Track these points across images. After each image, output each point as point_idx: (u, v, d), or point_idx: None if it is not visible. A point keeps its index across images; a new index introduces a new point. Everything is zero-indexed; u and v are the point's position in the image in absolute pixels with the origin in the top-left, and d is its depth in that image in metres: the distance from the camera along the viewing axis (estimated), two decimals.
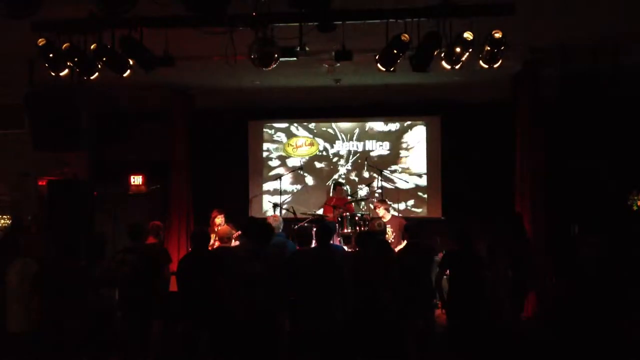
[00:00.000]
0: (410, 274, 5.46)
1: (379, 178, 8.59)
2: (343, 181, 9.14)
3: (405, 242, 6.28)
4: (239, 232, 6.89)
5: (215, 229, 6.98)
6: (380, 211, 7.55)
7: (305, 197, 9.53)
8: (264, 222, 5.31)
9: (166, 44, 5.49)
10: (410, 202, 9.36)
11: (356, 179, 9.45)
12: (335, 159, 9.59)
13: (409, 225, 6.03)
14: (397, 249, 6.99)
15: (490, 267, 5.37)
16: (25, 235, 5.06)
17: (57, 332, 4.61)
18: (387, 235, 7.33)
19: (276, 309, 4.98)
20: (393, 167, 9.39)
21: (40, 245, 4.81)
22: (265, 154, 9.73)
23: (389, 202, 7.84)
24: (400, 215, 8.26)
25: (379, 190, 8.64)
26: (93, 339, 4.85)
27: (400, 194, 9.28)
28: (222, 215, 7.32)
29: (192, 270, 5.16)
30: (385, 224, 7.45)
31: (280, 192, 8.80)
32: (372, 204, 7.90)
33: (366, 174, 9.33)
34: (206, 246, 5.46)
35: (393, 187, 9.32)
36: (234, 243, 6.63)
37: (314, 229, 5.75)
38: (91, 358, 4.84)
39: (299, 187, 9.60)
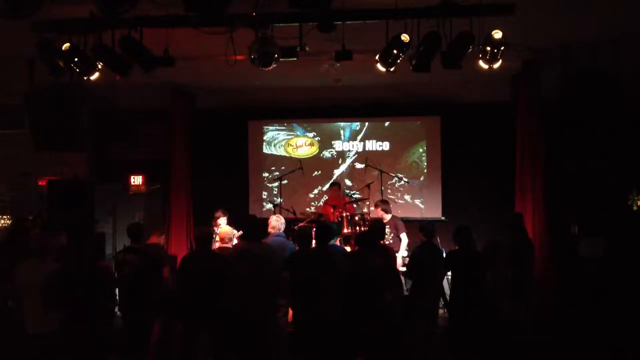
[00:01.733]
0: (422, 273, 5.49)
1: (379, 178, 8.59)
2: (339, 181, 9.09)
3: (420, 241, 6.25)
4: (240, 232, 6.90)
5: (217, 229, 6.98)
6: (380, 212, 7.56)
7: (305, 197, 9.53)
8: (253, 220, 5.30)
9: (166, 44, 5.49)
10: (410, 202, 9.35)
11: (356, 179, 9.44)
12: (335, 159, 9.59)
13: (423, 226, 5.98)
14: (401, 248, 7.04)
15: (490, 267, 5.37)
16: (29, 236, 5.03)
17: (78, 333, 4.60)
18: (385, 236, 7.36)
19: (269, 309, 4.98)
20: (393, 167, 9.37)
21: (53, 246, 4.76)
22: (265, 154, 9.73)
23: (389, 202, 7.84)
24: (399, 215, 8.25)
25: (380, 190, 8.64)
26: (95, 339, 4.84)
27: (400, 194, 9.29)
28: (226, 216, 7.30)
29: (195, 270, 5.17)
30: (383, 224, 7.50)
31: (280, 192, 8.80)
32: (374, 204, 7.89)
33: (366, 174, 9.32)
34: (210, 247, 5.46)
35: (393, 187, 9.32)
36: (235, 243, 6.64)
37: (314, 230, 5.75)
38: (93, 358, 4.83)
39: (298, 187, 9.59)
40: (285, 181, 9.02)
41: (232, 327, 5.29)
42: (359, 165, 9.38)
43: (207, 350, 5.24)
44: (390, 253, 6.08)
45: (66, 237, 5.90)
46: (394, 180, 9.26)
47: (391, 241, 7.34)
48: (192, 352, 5.20)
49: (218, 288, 5.03)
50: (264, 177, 9.72)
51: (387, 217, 7.52)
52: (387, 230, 7.39)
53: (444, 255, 5.97)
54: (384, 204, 7.62)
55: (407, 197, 9.37)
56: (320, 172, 9.60)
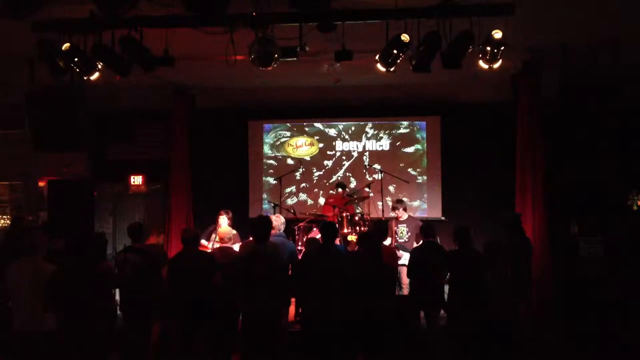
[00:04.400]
0: (422, 273, 5.50)
1: (379, 178, 8.59)
2: (345, 183, 9.04)
3: (420, 241, 6.32)
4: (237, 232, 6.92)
5: (217, 229, 6.99)
6: (399, 212, 7.60)
7: (305, 197, 9.53)
8: (262, 220, 5.29)
9: (166, 44, 5.49)
10: (410, 202, 9.35)
11: (356, 179, 9.44)
12: (335, 159, 9.59)
13: (424, 226, 6.09)
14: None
15: (490, 267, 5.37)
16: (28, 235, 5.03)
17: (76, 333, 4.59)
18: (402, 235, 7.43)
19: (278, 308, 5.00)
20: (393, 167, 9.37)
21: (45, 245, 4.76)
22: (265, 154, 9.73)
23: (404, 202, 7.89)
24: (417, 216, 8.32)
25: (380, 191, 8.63)
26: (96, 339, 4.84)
27: (400, 194, 9.29)
28: (226, 216, 7.31)
29: (181, 269, 5.19)
30: (394, 223, 7.55)
31: (280, 192, 8.80)
32: (391, 206, 7.96)
33: (366, 174, 9.32)
34: (196, 247, 5.48)
35: (393, 187, 9.32)
36: (238, 244, 6.65)
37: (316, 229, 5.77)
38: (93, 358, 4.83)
39: (298, 187, 9.59)
40: (285, 181, 9.01)
41: (233, 325, 5.31)
42: (358, 165, 9.38)
43: (203, 349, 5.26)
44: (392, 252, 6.09)
45: (62, 238, 5.94)
46: (393, 181, 9.25)
47: (407, 240, 7.39)
48: (187, 351, 5.21)
49: (205, 287, 5.06)
50: (264, 177, 9.71)
51: (404, 216, 7.59)
52: (405, 229, 7.45)
53: (445, 255, 5.97)
54: (402, 204, 7.71)
55: (407, 197, 9.36)
56: (320, 172, 9.60)
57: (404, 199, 8.25)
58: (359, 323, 4.91)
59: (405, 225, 7.56)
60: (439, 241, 7.48)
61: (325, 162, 9.60)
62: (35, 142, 7.75)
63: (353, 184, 9.40)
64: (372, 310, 4.91)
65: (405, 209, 7.73)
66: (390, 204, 8.29)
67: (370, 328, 4.92)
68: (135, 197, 9.14)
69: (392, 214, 7.78)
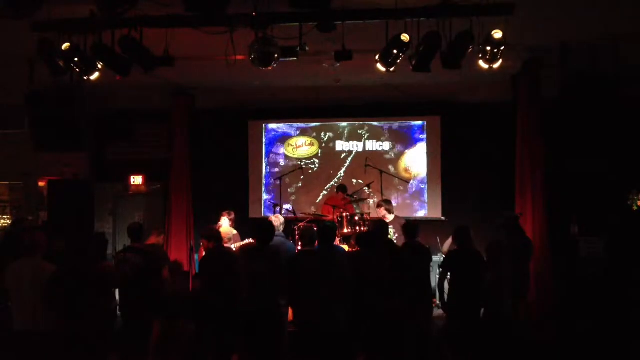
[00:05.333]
0: (407, 273, 5.49)
1: (379, 178, 8.58)
2: (345, 186, 9.01)
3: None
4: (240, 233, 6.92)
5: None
6: (383, 212, 7.54)
7: (305, 197, 9.53)
8: (265, 221, 5.32)
9: (166, 44, 5.49)
10: (411, 202, 9.36)
11: (356, 179, 9.44)
12: (335, 159, 9.59)
13: (406, 226, 5.99)
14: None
15: (490, 267, 5.37)
16: (28, 235, 5.05)
17: (76, 333, 4.59)
18: (389, 237, 7.34)
19: (279, 307, 5.01)
20: (393, 167, 9.38)
21: (45, 245, 4.77)
22: (265, 154, 9.73)
23: (391, 202, 7.83)
24: (400, 215, 8.25)
25: (380, 191, 8.63)
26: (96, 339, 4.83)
27: (400, 194, 9.29)
28: (228, 217, 7.30)
29: (217, 268, 5.25)
30: (386, 223, 7.47)
31: (280, 192, 8.80)
32: (376, 204, 7.88)
33: (366, 174, 9.31)
34: (221, 245, 5.52)
35: (393, 187, 9.32)
36: (238, 243, 6.66)
37: (315, 229, 5.75)
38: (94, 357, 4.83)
39: (298, 187, 9.59)
40: (284, 181, 9.01)
41: (237, 323, 5.32)
42: (358, 166, 9.37)
43: (212, 348, 5.27)
44: (395, 249, 6.05)
45: (62, 238, 5.94)
46: (394, 181, 9.26)
47: (396, 242, 7.34)
48: (200, 351, 5.24)
49: (236, 286, 5.10)
50: (264, 177, 9.71)
51: (390, 217, 7.48)
52: (392, 231, 7.38)
53: (446, 255, 5.97)
54: (387, 204, 7.58)
55: (407, 197, 9.37)
56: (320, 172, 9.60)
57: (390, 200, 8.04)
58: (359, 323, 4.91)
59: (391, 226, 7.49)
60: (438, 240, 7.57)
61: (325, 162, 9.60)
62: (35, 142, 7.74)
63: (353, 185, 9.39)
64: (372, 311, 4.91)
65: (389, 210, 7.49)
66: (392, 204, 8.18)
67: (371, 328, 4.92)
68: (135, 197, 9.15)
69: (381, 212, 7.58)
